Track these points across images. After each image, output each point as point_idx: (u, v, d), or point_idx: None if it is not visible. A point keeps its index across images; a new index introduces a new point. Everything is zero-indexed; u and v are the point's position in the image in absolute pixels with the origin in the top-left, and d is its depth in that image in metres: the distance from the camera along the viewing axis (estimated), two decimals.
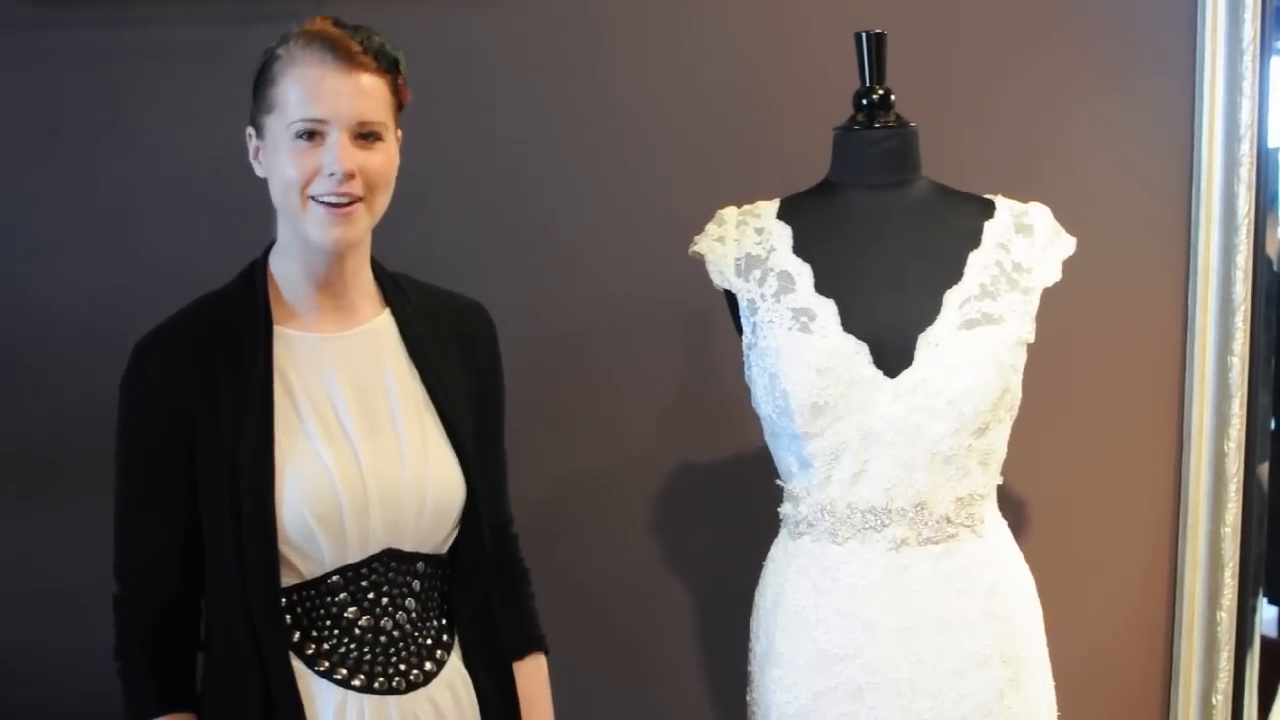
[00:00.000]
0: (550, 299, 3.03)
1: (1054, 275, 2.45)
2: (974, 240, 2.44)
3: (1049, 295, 2.46)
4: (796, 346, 2.36)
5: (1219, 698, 3.07)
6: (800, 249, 2.44)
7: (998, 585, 2.40)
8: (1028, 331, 2.40)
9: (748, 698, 2.54)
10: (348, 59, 2.06)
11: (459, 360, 2.27)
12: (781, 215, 2.49)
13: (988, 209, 2.48)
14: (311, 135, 2.06)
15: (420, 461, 2.15)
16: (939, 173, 2.53)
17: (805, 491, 2.41)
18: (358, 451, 2.11)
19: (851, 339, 2.35)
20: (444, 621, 2.22)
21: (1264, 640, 3.31)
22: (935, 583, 2.36)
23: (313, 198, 2.07)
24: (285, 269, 2.17)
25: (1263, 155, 3.02)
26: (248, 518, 2.04)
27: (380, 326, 2.21)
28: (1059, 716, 2.52)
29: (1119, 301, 3.10)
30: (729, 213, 2.54)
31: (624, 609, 3.15)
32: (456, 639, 2.24)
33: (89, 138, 3.03)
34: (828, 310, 2.37)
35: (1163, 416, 3.12)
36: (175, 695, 2.12)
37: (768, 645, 2.46)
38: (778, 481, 2.49)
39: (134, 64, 3.01)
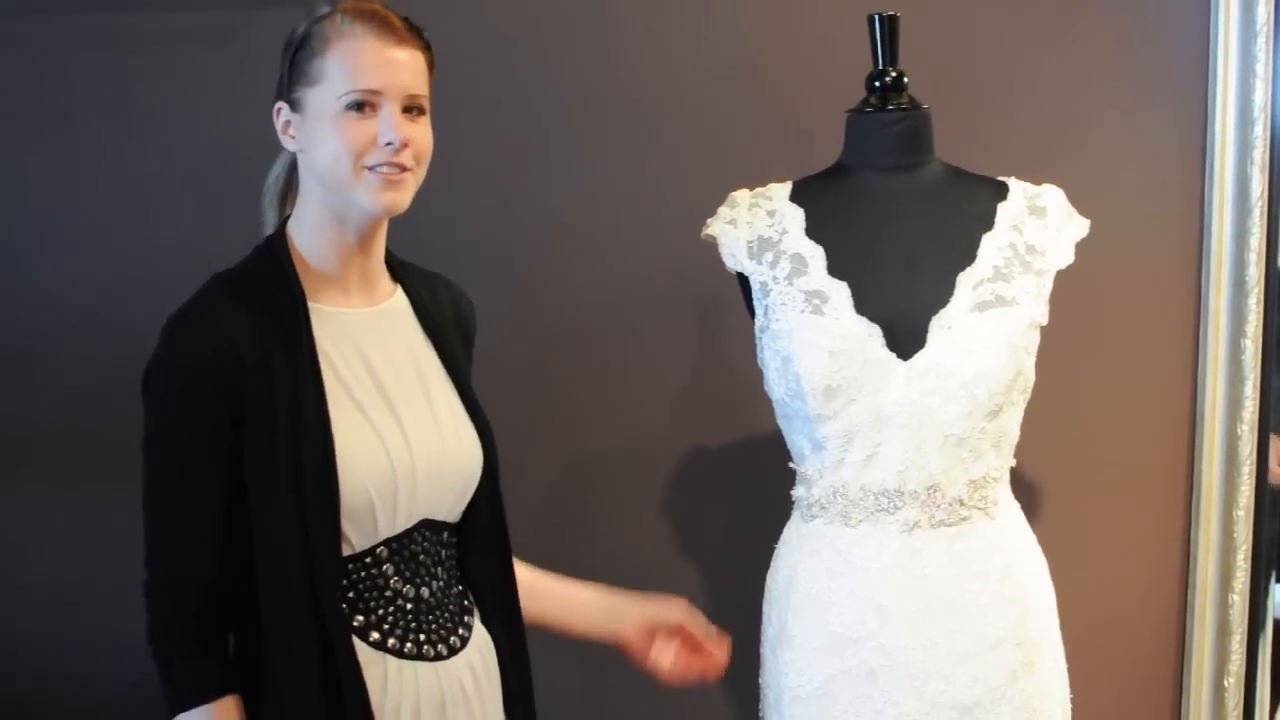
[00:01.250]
0: (562, 283, 3.03)
1: (1067, 257, 2.45)
2: (987, 222, 2.43)
3: (1062, 277, 2.46)
4: (809, 329, 2.36)
5: (1231, 680, 3.07)
6: (813, 231, 2.44)
7: (1010, 568, 2.40)
8: (1041, 314, 2.40)
9: (760, 681, 2.55)
10: (395, 33, 2.09)
11: (459, 338, 2.32)
12: (794, 197, 2.49)
13: (1001, 191, 2.47)
14: (362, 106, 2.07)
15: (452, 432, 2.19)
16: (952, 155, 2.53)
17: (818, 474, 2.41)
18: (403, 423, 2.13)
19: (864, 321, 2.35)
20: (462, 588, 2.26)
21: (1277, 623, 3.31)
22: (948, 565, 2.36)
23: (367, 168, 2.08)
24: (312, 244, 2.16)
25: (1276, 137, 3.01)
26: (310, 492, 2.02)
27: (398, 303, 2.24)
28: (1071, 698, 2.52)
29: (1132, 284, 3.10)
30: (741, 195, 2.53)
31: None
32: (475, 604, 2.27)
33: (98, 124, 3.03)
34: (840, 293, 2.37)
35: (1175, 399, 3.11)
36: (223, 679, 2.09)
37: (780, 628, 2.47)
38: (790, 464, 2.49)
39: (144, 49, 3.01)
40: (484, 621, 2.27)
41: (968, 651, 2.37)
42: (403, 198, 2.11)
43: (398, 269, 2.27)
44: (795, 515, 2.49)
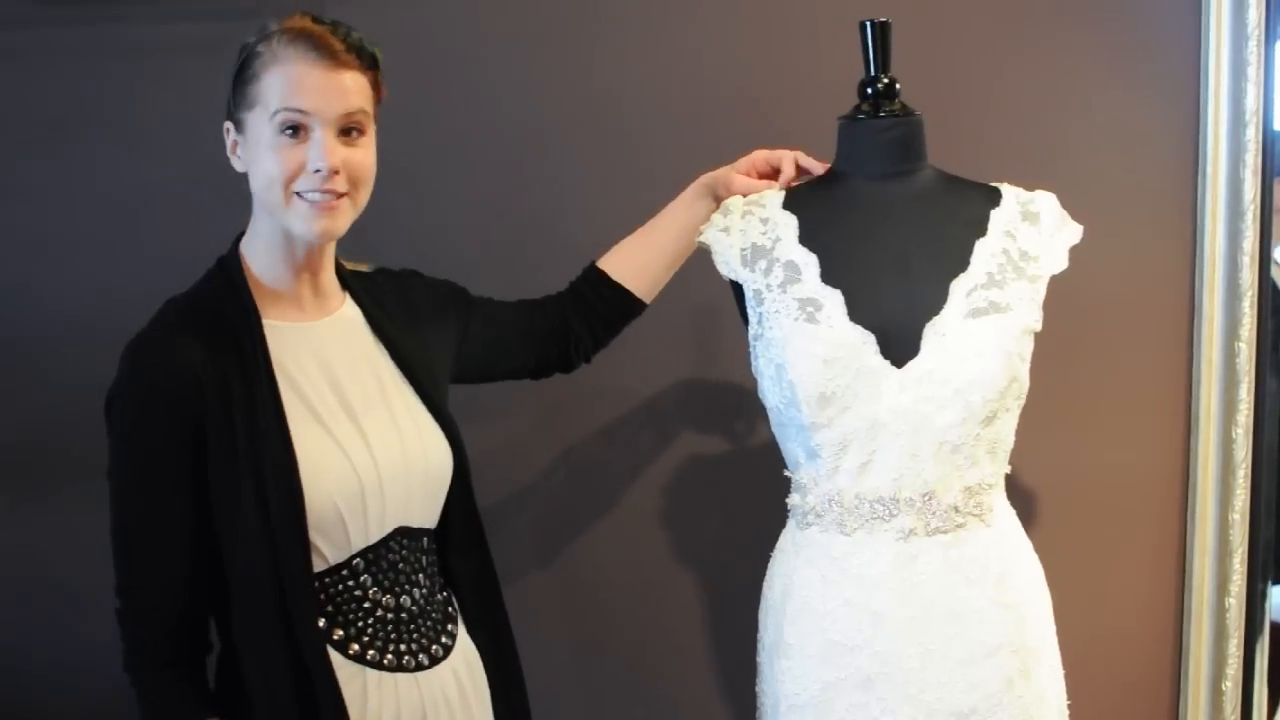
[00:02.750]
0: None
1: (1061, 263, 2.45)
2: (980, 229, 2.43)
3: (1056, 282, 2.46)
4: (803, 337, 2.35)
5: (1229, 684, 3.07)
6: (806, 239, 2.44)
7: (1007, 575, 2.39)
8: (1035, 320, 2.40)
9: (756, 689, 2.55)
10: (331, 56, 2.08)
11: (410, 327, 2.32)
12: (787, 205, 2.49)
13: (994, 197, 2.47)
14: (295, 130, 2.07)
15: (415, 437, 2.20)
16: (945, 161, 2.52)
17: (813, 482, 2.41)
18: (365, 433, 2.14)
19: (858, 329, 2.34)
20: (446, 594, 2.27)
21: (1274, 626, 3.31)
22: (944, 572, 2.36)
23: (297, 193, 2.09)
24: (265, 262, 2.17)
25: (1268, 140, 3.01)
26: (276, 510, 2.04)
27: (350, 312, 2.26)
28: (1069, 705, 2.52)
29: (1126, 289, 3.10)
30: (735, 203, 2.53)
31: (632, 602, 3.15)
32: (459, 609, 2.29)
33: (92, 134, 3.03)
34: (834, 300, 2.36)
35: (1170, 403, 3.11)
36: (201, 703, 2.11)
37: (776, 636, 2.46)
38: (785, 472, 2.49)
39: (136, 60, 3.01)
40: (468, 626, 2.29)
41: (964, 658, 2.36)
42: (336, 224, 2.12)
43: (347, 279, 2.28)
44: (790, 523, 2.49)
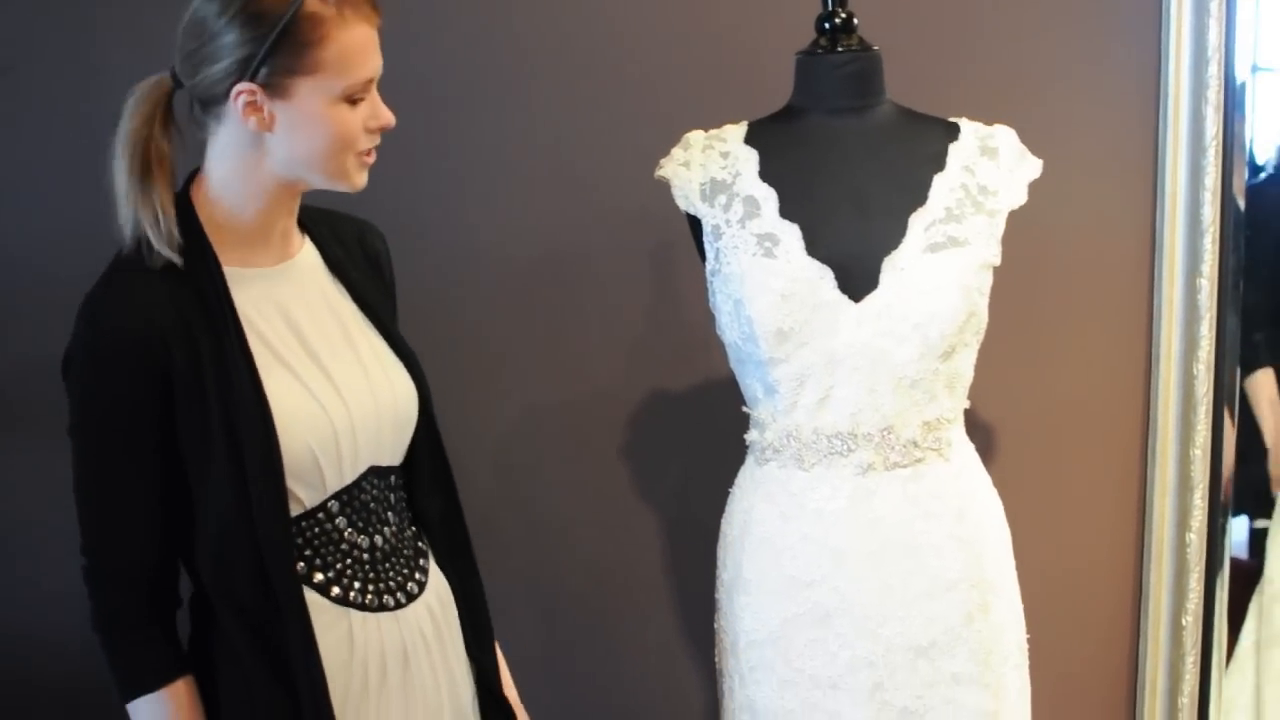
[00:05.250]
0: (514, 228, 3.02)
1: (1020, 198, 2.44)
2: (939, 163, 2.42)
3: (1017, 219, 2.45)
4: (761, 272, 2.35)
5: (1189, 619, 3.09)
6: (766, 174, 2.42)
7: (965, 509, 2.40)
8: (993, 254, 2.39)
9: (715, 625, 2.55)
10: (376, 12, 2.06)
11: (372, 275, 2.30)
12: (749, 140, 2.47)
13: (952, 132, 2.46)
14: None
15: (381, 377, 2.19)
16: (904, 96, 2.51)
17: (771, 418, 2.41)
18: (333, 377, 2.12)
19: (816, 264, 2.34)
20: (415, 529, 2.27)
21: (1234, 562, 3.32)
22: (903, 507, 2.36)
23: (355, 153, 2.07)
24: (242, 207, 2.09)
25: (1230, 78, 3.00)
26: (252, 459, 2.00)
27: (309, 255, 2.21)
28: (1028, 639, 2.53)
29: (1087, 224, 3.10)
30: (695, 137, 2.52)
31: (592, 539, 3.15)
32: (428, 544, 2.29)
33: (46, 77, 2.99)
34: (792, 235, 2.36)
35: (1131, 339, 3.11)
36: (173, 662, 2.07)
37: (735, 572, 2.47)
38: (744, 408, 2.49)
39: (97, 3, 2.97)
40: (438, 562, 2.29)
41: (923, 593, 2.37)
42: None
43: (304, 218, 2.23)
44: (749, 459, 2.49)
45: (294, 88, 2.00)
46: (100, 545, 2.04)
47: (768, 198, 2.39)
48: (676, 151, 2.52)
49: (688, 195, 2.46)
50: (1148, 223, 3.07)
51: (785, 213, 2.38)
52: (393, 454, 2.22)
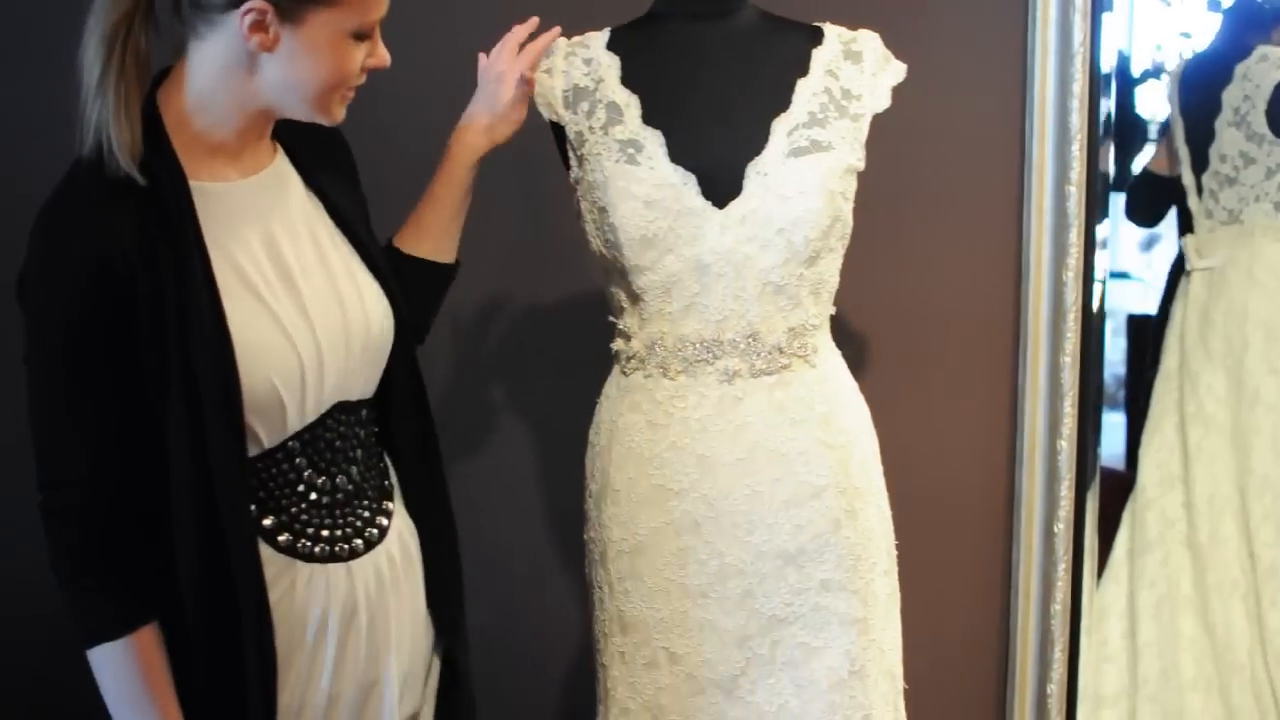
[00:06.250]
0: (379, 141, 2.96)
1: (884, 102, 2.43)
2: (802, 68, 2.41)
3: (885, 125, 2.45)
4: (624, 179, 2.33)
5: (1060, 527, 3.11)
6: (629, 79, 2.40)
7: (832, 415, 2.40)
8: (858, 159, 2.39)
9: (585, 536, 2.54)
10: None
11: (341, 182, 2.20)
12: (611, 45, 2.45)
13: (815, 36, 2.45)
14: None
15: (355, 300, 2.07)
16: (769, 2, 2.49)
17: (637, 326, 2.39)
18: (304, 305, 2.00)
19: (679, 170, 2.32)
20: (384, 465, 2.18)
21: (1113, 473, 3.36)
22: (769, 414, 2.36)
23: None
24: (207, 122, 1.97)
25: None
26: (208, 394, 1.88)
27: (280, 165, 2.09)
28: (899, 546, 2.54)
29: (956, 131, 3.09)
30: (558, 44, 2.48)
31: (460, 450, 3.13)
32: (397, 482, 2.20)
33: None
34: (655, 141, 2.34)
35: (1001, 247, 3.11)
36: (138, 607, 1.94)
37: (603, 483, 2.46)
38: (610, 318, 2.47)
39: None
40: (405, 499, 2.19)
41: (791, 500, 2.37)
42: None
43: (278, 126, 2.12)
44: (615, 369, 2.48)
45: (308, 16, 1.93)
46: (56, 479, 1.91)
47: (630, 104, 2.37)
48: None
49: (550, 102, 2.44)
50: (1016, 130, 3.07)
51: (648, 119, 2.36)
52: (364, 386, 2.11)
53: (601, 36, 2.47)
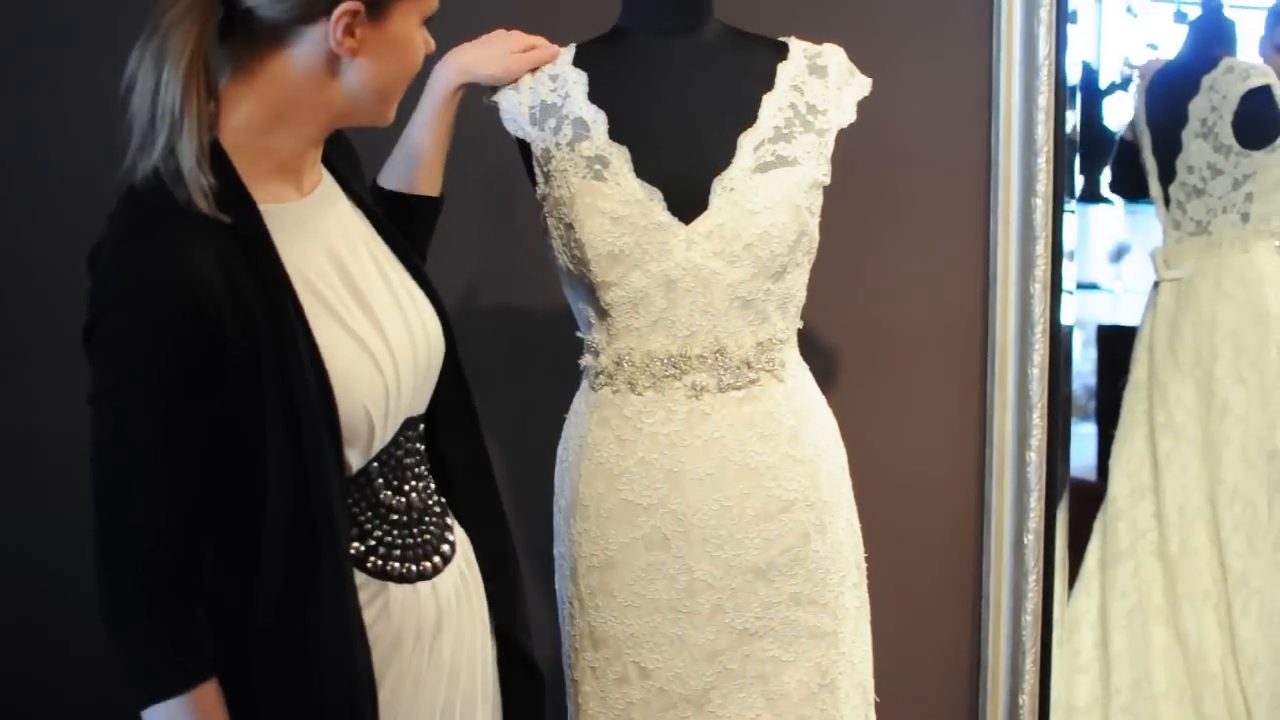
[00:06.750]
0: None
1: (848, 116, 2.44)
2: (767, 83, 2.41)
3: (852, 139, 2.45)
4: (590, 194, 2.33)
5: (1030, 538, 3.12)
6: (595, 96, 2.40)
7: (800, 429, 2.41)
8: (823, 173, 2.40)
9: (555, 551, 2.54)
10: None
11: (365, 187, 2.15)
12: (577, 62, 2.45)
13: (781, 51, 2.45)
14: None
15: (415, 316, 2.01)
16: (734, 17, 2.49)
17: (605, 342, 2.40)
18: (380, 324, 1.94)
19: (645, 185, 2.33)
20: (435, 481, 2.10)
21: (1082, 483, 3.38)
22: (738, 428, 2.37)
23: None
24: (273, 141, 1.89)
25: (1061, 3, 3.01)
26: (310, 425, 1.80)
27: (328, 182, 2.01)
28: (868, 559, 2.55)
29: (922, 144, 3.10)
30: None
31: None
32: (449, 498, 2.13)
33: None
34: (621, 157, 2.34)
35: (968, 258, 3.12)
36: (202, 663, 1.81)
37: (572, 498, 2.46)
38: (578, 333, 2.47)
39: None
40: (458, 515, 2.13)
41: (760, 514, 2.38)
42: None
43: None
44: (584, 384, 2.48)
45: (394, 11, 1.89)
46: (125, 525, 1.78)
47: (597, 119, 2.38)
48: None
49: (516, 119, 2.44)
50: (983, 142, 3.08)
51: (615, 134, 2.37)
52: (424, 401, 2.05)
53: (566, 53, 2.47)
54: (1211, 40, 3.45)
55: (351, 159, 2.15)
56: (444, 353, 2.07)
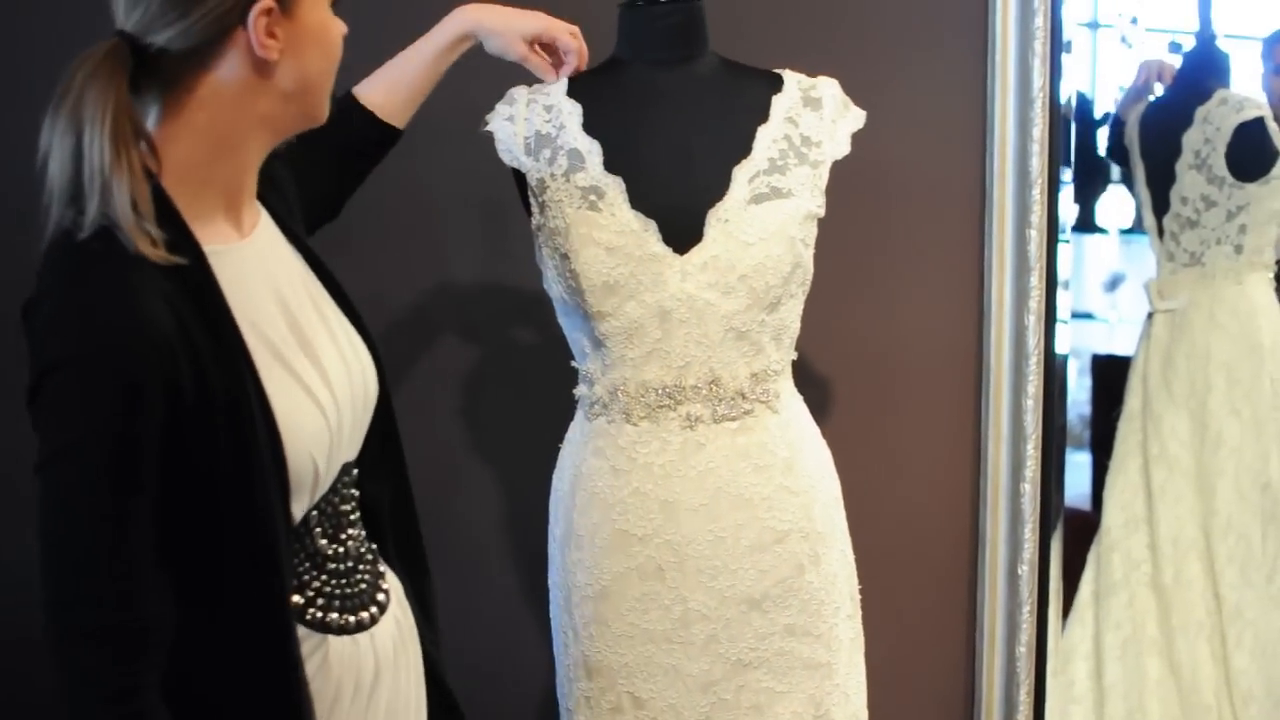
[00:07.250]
0: None
1: (843, 148, 2.45)
2: (762, 115, 2.42)
3: (847, 170, 2.46)
4: (585, 225, 2.34)
5: (1025, 569, 3.12)
6: (590, 127, 2.41)
7: (794, 460, 2.41)
8: (817, 205, 2.40)
9: (549, 581, 2.54)
10: None
11: (295, 214, 2.04)
12: (572, 93, 2.46)
13: (775, 83, 2.46)
14: None
15: (353, 356, 1.91)
16: (728, 48, 2.50)
17: (599, 372, 2.40)
18: (323, 368, 1.84)
19: (640, 216, 2.34)
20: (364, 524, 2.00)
21: (1077, 513, 3.37)
22: (732, 459, 2.37)
23: None
24: (208, 175, 1.78)
25: (1056, 29, 3.00)
26: (260, 478, 1.70)
27: (265, 216, 1.91)
28: (862, 590, 2.55)
29: (917, 176, 3.10)
30: (519, 91, 2.49)
31: (426, 496, 3.11)
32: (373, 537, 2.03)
33: None
34: (616, 188, 2.35)
35: (962, 289, 3.12)
36: None
37: (567, 528, 2.46)
38: (572, 363, 2.48)
39: None
40: (384, 556, 2.04)
41: (754, 545, 2.38)
42: None
43: None
44: (579, 414, 2.49)
45: (303, 1, 1.79)
46: (87, 597, 1.64)
47: (592, 150, 2.38)
48: (501, 107, 2.49)
49: (512, 149, 2.44)
50: (977, 173, 3.08)
51: (610, 165, 2.37)
52: (359, 444, 1.95)
53: (561, 84, 2.48)
54: (1205, 72, 3.46)
55: (286, 193, 2.04)
56: (378, 394, 1.97)
